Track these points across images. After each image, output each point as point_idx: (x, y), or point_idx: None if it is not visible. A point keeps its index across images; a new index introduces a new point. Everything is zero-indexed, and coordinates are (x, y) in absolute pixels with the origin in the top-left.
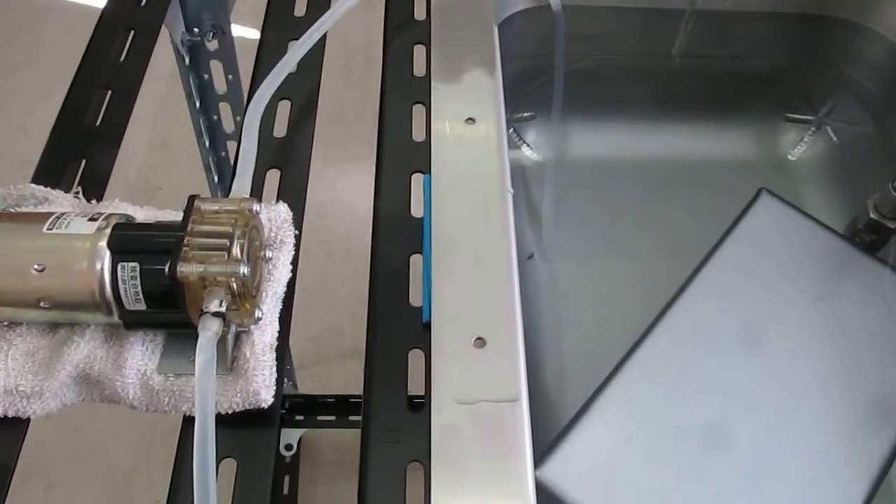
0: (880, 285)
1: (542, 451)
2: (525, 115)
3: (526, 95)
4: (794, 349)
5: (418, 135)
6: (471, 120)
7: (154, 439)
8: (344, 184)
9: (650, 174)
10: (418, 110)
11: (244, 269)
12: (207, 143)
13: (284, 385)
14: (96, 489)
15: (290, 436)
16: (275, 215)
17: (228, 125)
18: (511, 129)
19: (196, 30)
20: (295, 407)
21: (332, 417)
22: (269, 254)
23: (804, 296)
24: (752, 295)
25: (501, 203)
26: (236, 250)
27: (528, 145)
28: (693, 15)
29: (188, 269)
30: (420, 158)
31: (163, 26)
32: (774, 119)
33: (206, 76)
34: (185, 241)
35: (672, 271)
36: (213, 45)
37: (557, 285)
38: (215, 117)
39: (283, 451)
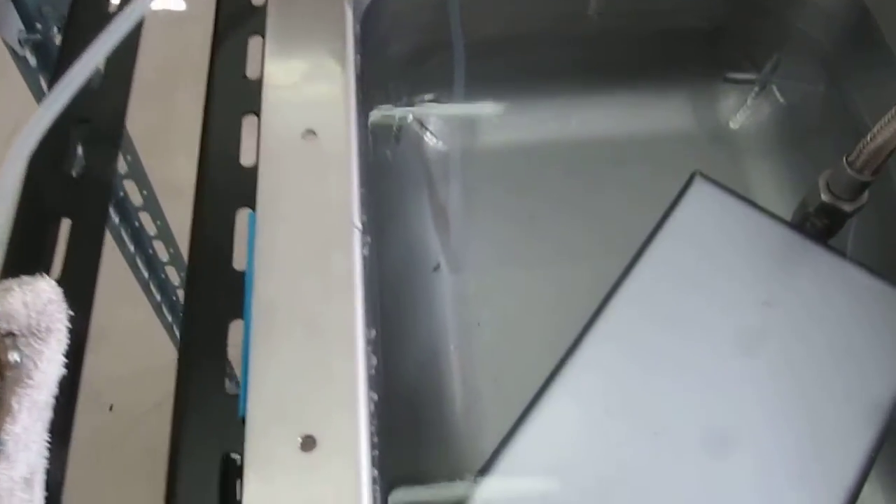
0: (836, 281)
1: None
2: (425, 98)
3: (424, 75)
4: (737, 372)
5: (248, 157)
6: (310, 132)
7: None
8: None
9: (574, 158)
10: (250, 123)
11: None
12: None
13: None
14: None
15: None
16: (33, 298)
17: None
18: (410, 117)
19: (39, 25)
20: None
21: None
22: (14, 356)
23: (748, 302)
24: (686, 307)
25: (346, 246)
26: None
27: (431, 133)
28: None
29: None
30: (248, 189)
31: None
32: (712, 81)
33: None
34: None
35: (601, 274)
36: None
37: (469, 299)
38: None
39: None
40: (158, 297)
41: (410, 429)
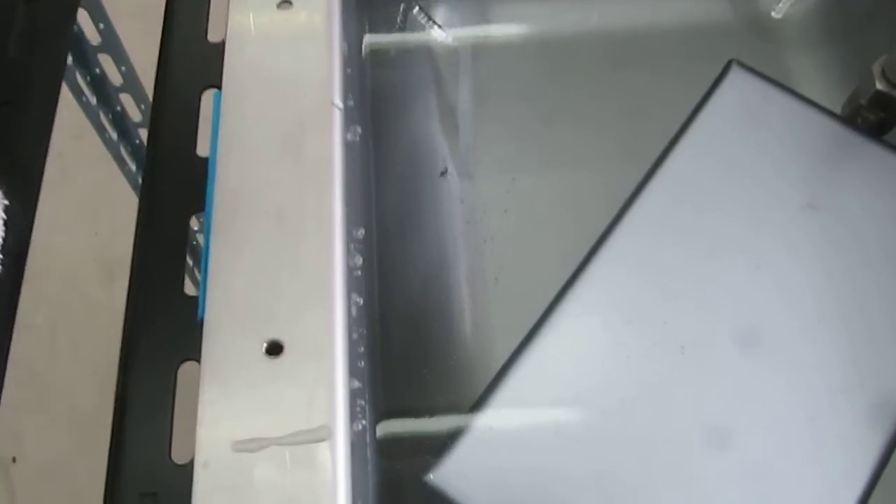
0: (891, 179)
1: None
2: None
3: None
4: (774, 286)
5: (216, 33)
6: (286, 2)
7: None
8: None
9: (596, 54)
10: None
11: None
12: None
13: None
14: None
15: None
16: None
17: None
18: (416, 8)
19: None
20: None
21: None
22: None
23: (789, 205)
24: (720, 211)
25: (324, 129)
26: None
27: (438, 26)
28: None
29: None
30: (215, 67)
31: None
32: None
33: None
34: None
35: (624, 181)
36: None
37: (479, 208)
38: None
39: None
40: None
41: (413, 349)
